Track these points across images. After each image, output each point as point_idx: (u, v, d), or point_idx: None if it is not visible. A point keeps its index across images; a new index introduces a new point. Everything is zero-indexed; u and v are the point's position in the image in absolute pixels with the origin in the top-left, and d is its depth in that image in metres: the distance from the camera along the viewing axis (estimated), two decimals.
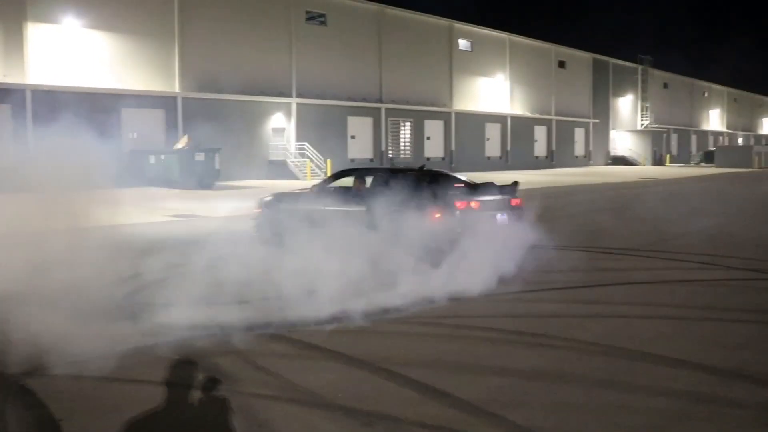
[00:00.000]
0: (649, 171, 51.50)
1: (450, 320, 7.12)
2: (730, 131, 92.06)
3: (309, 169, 35.73)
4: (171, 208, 19.61)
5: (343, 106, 40.70)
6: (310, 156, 37.06)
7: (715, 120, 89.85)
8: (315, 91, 39.12)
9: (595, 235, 13.76)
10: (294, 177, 35.30)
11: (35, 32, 29.10)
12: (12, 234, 7.72)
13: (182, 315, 6.81)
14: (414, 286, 8.00)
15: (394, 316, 7.18)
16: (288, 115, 38.36)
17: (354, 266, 7.93)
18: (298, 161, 36.69)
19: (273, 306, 7.33)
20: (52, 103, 26.56)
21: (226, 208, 17.79)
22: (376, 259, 8.35)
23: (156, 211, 18.28)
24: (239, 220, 13.61)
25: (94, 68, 30.69)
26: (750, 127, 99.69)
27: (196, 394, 4.99)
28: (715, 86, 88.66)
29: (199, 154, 28.70)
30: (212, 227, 14.66)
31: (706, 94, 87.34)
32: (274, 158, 36.78)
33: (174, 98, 33.00)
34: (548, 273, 9.51)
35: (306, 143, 37.62)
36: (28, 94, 28.17)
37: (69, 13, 29.87)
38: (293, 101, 38.34)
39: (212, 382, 5.13)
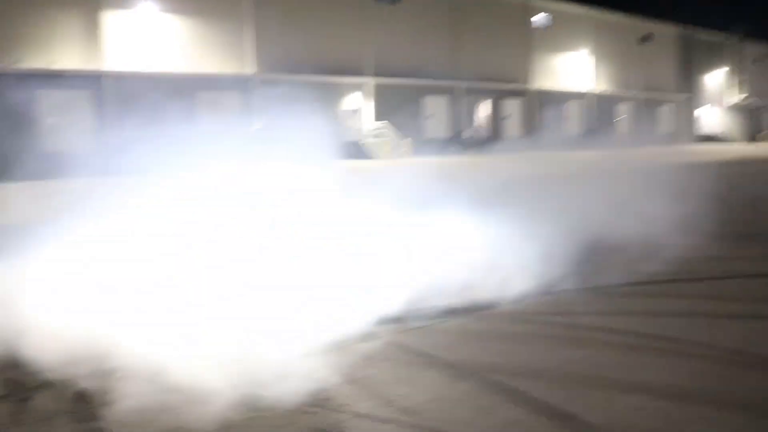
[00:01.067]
0: (728, 150, 48.44)
1: (557, 318, 6.22)
2: None
3: (387, 149, 35.04)
4: None
5: (419, 85, 39.76)
6: (388, 136, 36.34)
7: None
8: (391, 71, 38.31)
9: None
10: (371, 157, 34.70)
11: (112, 18, 29.32)
12: None
13: None
14: (500, 273, 7.18)
15: (490, 311, 6.36)
16: (365, 94, 37.74)
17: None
18: (375, 141, 36.06)
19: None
20: (128, 87, 26.82)
21: None
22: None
23: None
24: None
25: (172, 52, 30.78)
26: None
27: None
28: None
29: (274, 135, 28.36)
30: None
31: None
32: (351, 139, 36.22)
33: (249, 80, 32.83)
34: (648, 262, 8.42)
35: (384, 122, 36.94)
36: (106, 80, 28.48)
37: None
38: (371, 80, 37.69)
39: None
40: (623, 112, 55.12)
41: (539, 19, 48.12)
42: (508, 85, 45.22)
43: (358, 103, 37.72)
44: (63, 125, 27.54)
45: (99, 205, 7.41)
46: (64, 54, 28.26)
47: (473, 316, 6.19)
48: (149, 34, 30.21)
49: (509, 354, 5.26)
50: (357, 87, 37.41)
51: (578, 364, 5.05)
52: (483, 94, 43.78)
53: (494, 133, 44.25)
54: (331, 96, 36.00)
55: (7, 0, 26.91)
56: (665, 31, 59.90)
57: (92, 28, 28.91)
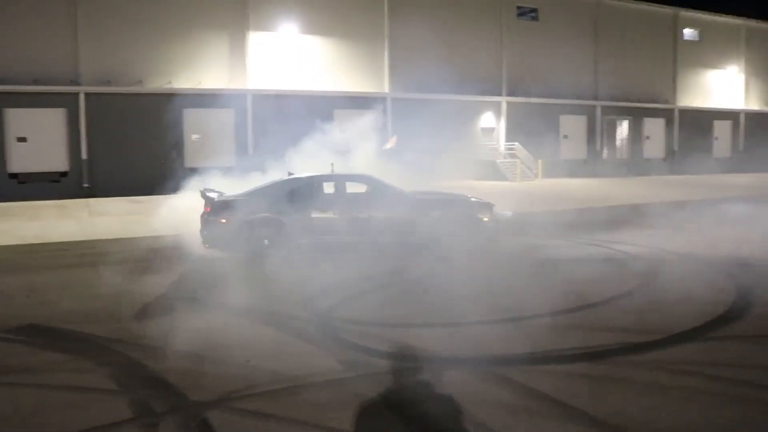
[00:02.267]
0: None
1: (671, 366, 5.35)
2: None
3: (519, 170, 34.07)
4: None
5: (555, 104, 38.52)
6: (520, 156, 35.37)
7: None
8: (526, 89, 37.39)
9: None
10: (503, 178, 33.86)
11: (256, 40, 30.44)
12: None
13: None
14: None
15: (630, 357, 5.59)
16: (498, 114, 37.04)
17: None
18: (508, 162, 35.17)
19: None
20: (271, 105, 27.68)
21: None
22: None
23: None
24: None
25: (310, 72, 31.53)
26: None
27: None
28: None
29: (407, 155, 28.20)
30: None
31: None
32: (483, 158, 35.58)
33: (383, 98, 33.03)
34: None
35: (516, 143, 36.00)
36: (249, 98, 29.52)
37: (287, 21, 30.97)
38: (503, 99, 36.95)
39: None
40: None
41: (688, 32, 45.52)
42: (650, 104, 42.93)
43: (493, 123, 37.03)
44: (207, 142, 28.80)
45: None
46: (210, 74, 29.59)
47: (614, 362, 5.46)
48: (291, 54, 31.11)
49: (638, 408, 4.51)
50: (491, 106, 36.76)
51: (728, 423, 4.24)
52: (623, 113, 41.80)
53: (633, 155, 42.11)
54: (465, 115, 35.56)
55: (161, 23, 28.55)
56: None
57: (238, 49, 30.12)
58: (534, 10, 38.61)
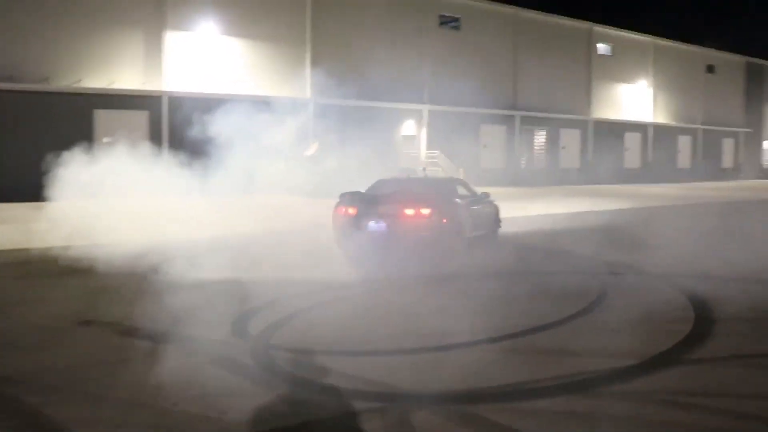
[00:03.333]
0: None
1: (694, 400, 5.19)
2: None
3: None
4: None
5: (476, 113, 38.95)
6: (442, 165, 35.49)
7: None
8: (447, 98, 37.62)
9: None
10: None
11: (174, 40, 29.35)
12: None
13: None
14: None
15: (598, 389, 5.35)
16: (419, 122, 37.09)
17: None
18: (430, 170, 35.16)
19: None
20: (188, 108, 26.65)
21: None
22: None
23: None
24: None
25: (230, 75, 30.66)
26: None
27: None
28: None
29: (328, 162, 27.81)
30: None
31: None
32: (405, 166, 35.43)
33: (305, 103, 32.46)
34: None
35: (437, 151, 36.13)
36: (165, 101, 28.39)
37: (205, 21, 30.01)
38: (425, 108, 37.04)
39: None
40: (683, 145, 53.35)
41: (602, 46, 47.01)
42: (567, 115, 44.07)
43: (414, 130, 37.04)
44: (119, 145, 27.43)
45: None
46: (124, 74, 28.30)
47: (596, 394, 5.18)
48: (209, 56, 30.14)
49: None
50: (413, 114, 36.78)
51: None
52: (541, 123, 42.72)
53: (550, 165, 43.08)
54: (387, 122, 35.42)
55: (70, 19, 27.09)
56: (731, 61, 58.13)
57: (154, 48, 28.95)
58: (456, 20, 38.96)
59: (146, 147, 27.61)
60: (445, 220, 10.73)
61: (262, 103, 30.19)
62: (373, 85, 34.10)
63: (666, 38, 51.48)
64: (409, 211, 10.53)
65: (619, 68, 48.40)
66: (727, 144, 57.72)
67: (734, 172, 57.67)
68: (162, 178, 23.68)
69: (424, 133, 37.10)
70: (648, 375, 5.45)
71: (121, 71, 28.33)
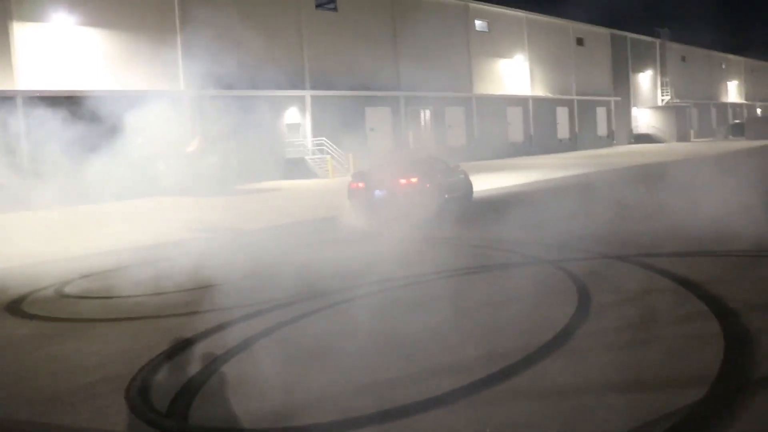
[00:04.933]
0: (680, 148, 48.53)
1: None
2: (748, 102, 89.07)
3: (330, 165, 32.97)
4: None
5: (360, 96, 37.91)
6: (330, 152, 34.30)
7: (733, 92, 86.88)
8: (330, 82, 36.36)
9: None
10: (314, 175, 32.57)
11: (24, 33, 26.40)
12: None
13: None
14: None
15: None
16: (302, 108, 35.61)
17: None
18: (318, 158, 33.93)
19: None
20: (44, 107, 23.95)
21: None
22: None
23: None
24: None
25: (90, 69, 28.00)
26: None
27: None
28: (732, 57, 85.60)
29: (212, 158, 26.02)
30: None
31: (723, 66, 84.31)
32: (292, 156, 34.04)
33: (179, 96, 30.28)
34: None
35: (324, 138, 34.86)
36: (19, 101, 25.48)
37: (59, 11, 27.18)
38: (307, 93, 35.59)
39: None
40: (561, 116, 54.78)
41: (479, 23, 47.17)
42: (450, 93, 43.89)
43: (298, 118, 35.57)
44: None
45: None
46: None
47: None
48: (64, 49, 27.34)
49: None
50: (295, 100, 35.28)
51: None
52: (425, 103, 42.30)
53: (438, 143, 42.81)
54: (269, 111, 33.73)
55: None
56: (597, 34, 60.17)
57: (1, 43, 25.89)
58: (332, 1, 37.63)
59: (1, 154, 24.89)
60: (427, 185, 14.53)
61: (132, 98, 27.92)
62: (252, 73, 32.31)
63: (537, 13, 52.44)
64: (403, 181, 14.34)
65: (497, 44, 48.79)
66: (601, 113, 59.84)
67: (608, 140, 59.94)
68: (17, 189, 21.24)
69: (308, 120, 35.70)
70: None
71: None
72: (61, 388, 4.90)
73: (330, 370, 4.95)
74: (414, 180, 14.29)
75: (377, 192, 14.40)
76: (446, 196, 15.24)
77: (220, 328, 6.18)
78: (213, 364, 5.17)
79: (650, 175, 23.80)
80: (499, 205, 16.30)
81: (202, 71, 30.53)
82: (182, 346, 5.69)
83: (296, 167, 33.01)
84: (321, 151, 34.62)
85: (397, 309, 6.73)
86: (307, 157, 33.84)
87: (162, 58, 29.85)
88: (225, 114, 29.86)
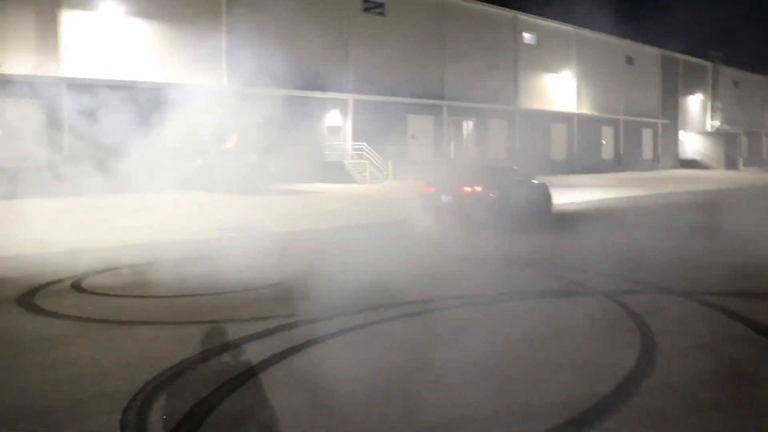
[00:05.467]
0: (731, 176, 46.95)
1: None
2: None
3: (369, 171, 32.41)
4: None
5: (403, 103, 37.33)
6: (369, 157, 33.74)
7: None
8: (373, 87, 35.82)
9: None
10: (352, 180, 32.03)
11: (71, 20, 26.38)
12: None
13: None
14: None
15: None
16: (344, 112, 35.15)
17: None
18: (356, 163, 33.38)
19: None
20: (90, 96, 23.81)
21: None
22: None
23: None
24: None
25: (137, 60, 27.90)
26: None
27: None
28: None
29: (250, 156, 25.64)
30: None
31: None
32: (330, 159, 33.54)
33: (222, 92, 30.01)
34: None
35: (364, 143, 34.32)
36: (64, 87, 25.42)
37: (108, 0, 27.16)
38: (350, 97, 35.13)
39: None
40: (606, 135, 53.52)
41: (527, 35, 46.31)
42: (494, 105, 43.06)
43: (339, 121, 35.10)
44: (11, 138, 24.42)
45: None
46: (14, 57, 25.19)
47: None
48: (111, 39, 27.27)
49: None
50: (337, 103, 34.83)
51: None
52: (468, 113, 41.54)
53: (478, 155, 42.00)
54: (311, 113, 33.35)
55: None
56: (648, 54, 58.77)
57: (49, 29, 25.89)
58: (380, 5, 37.19)
59: (44, 140, 24.83)
60: (492, 195, 14.75)
61: (174, 91, 27.70)
62: (295, 73, 31.95)
63: (587, 29, 51.35)
64: (468, 189, 14.79)
65: (544, 58, 47.85)
66: (647, 134, 58.38)
67: (653, 162, 58.40)
68: (56, 175, 21.06)
69: (349, 124, 35.22)
70: None
71: (11, 54, 25.19)
72: (53, 402, 4.32)
73: (339, 409, 4.27)
74: (478, 188, 14.73)
75: (444, 197, 15.06)
76: (520, 206, 15.34)
77: (241, 341, 5.58)
78: (228, 384, 4.56)
79: (709, 203, 22.70)
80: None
81: (245, 67, 30.26)
82: (196, 361, 5.10)
83: (334, 171, 32.50)
84: (360, 156, 34.08)
85: (432, 336, 6.03)
86: (345, 162, 33.32)
87: (206, 52, 29.66)
88: (265, 112, 29.48)
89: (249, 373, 4.77)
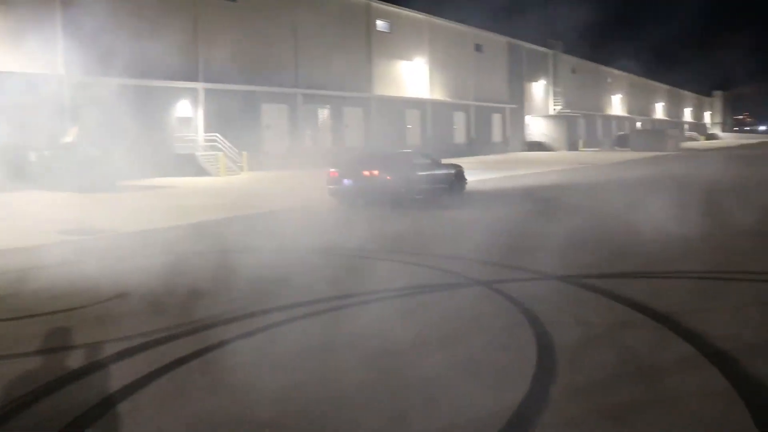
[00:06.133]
0: (572, 156, 49.88)
1: None
2: (629, 116, 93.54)
3: (223, 163, 31.29)
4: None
5: (256, 92, 36.33)
6: (223, 149, 32.58)
7: (617, 105, 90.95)
8: (225, 76, 34.55)
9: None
10: (205, 173, 30.80)
11: None
12: None
13: None
14: None
15: None
16: (195, 102, 33.68)
17: None
18: (209, 155, 32.11)
19: None
20: None
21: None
22: None
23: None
24: None
25: None
26: (645, 112, 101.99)
27: None
28: (616, 72, 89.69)
29: (92, 150, 23.90)
30: None
31: (609, 80, 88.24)
32: (182, 152, 32.07)
33: (59, 80, 27.77)
34: None
35: (217, 134, 33.09)
36: None
37: None
38: (200, 86, 33.69)
39: None
40: (458, 121, 55.11)
41: (381, 23, 46.53)
42: (349, 92, 42.99)
43: (190, 111, 33.58)
44: None
45: None
46: None
47: None
48: None
49: None
50: (187, 93, 33.30)
51: None
52: (323, 101, 41.18)
53: (336, 144, 41.83)
54: (158, 103, 31.67)
55: None
56: (495, 42, 61.02)
57: None
58: None
59: None
60: (388, 177, 16.36)
61: (1, 80, 25.29)
62: (140, 61, 30.11)
63: (439, 17, 52.48)
64: (366, 173, 16.49)
65: (398, 45, 48.37)
66: (496, 119, 60.78)
67: (503, 145, 60.94)
68: None
69: (201, 114, 33.81)
70: None
71: None
72: None
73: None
74: (375, 172, 16.41)
75: (345, 180, 16.76)
76: (424, 187, 17.42)
77: (92, 368, 4.90)
78: (84, 417, 3.96)
79: (558, 184, 23.74)
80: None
81: (84, 55, 28.04)
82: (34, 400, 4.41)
83: (186, 164, 31.12)
84: (213, 148, 32.84)
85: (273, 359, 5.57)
86: (198, 154, 31.97)
87: (39, 38, 27.19)
88: (108, 103, 27.54)
89: (104, 405, 4.17)
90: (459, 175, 19.14)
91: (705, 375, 4.76)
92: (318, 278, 8.23)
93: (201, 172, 30.83)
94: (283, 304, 6.91)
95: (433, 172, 18.03)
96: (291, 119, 38.95)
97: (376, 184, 16.26)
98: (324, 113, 41.51)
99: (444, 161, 20.06)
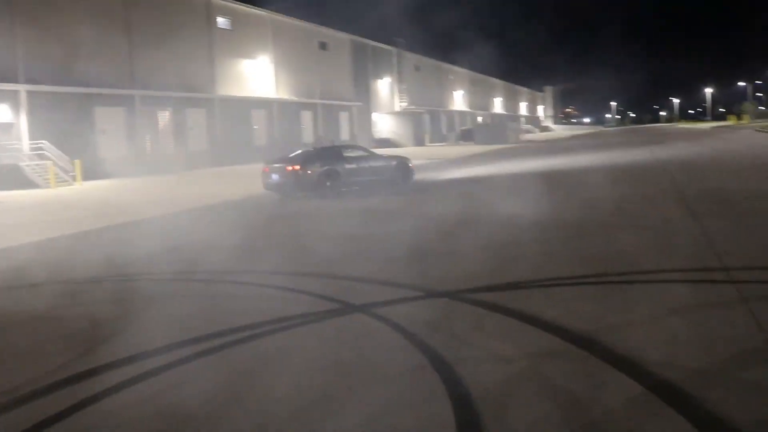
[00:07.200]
0: (420, 152, 50.59)
1: None
2: (471, 111, 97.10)
3: (53, 173, 28.61)
4: None
5: (88, 94, 33.60)
6: (52, 157, 29.81)
7: (459, 101, 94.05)
8: (51, 77, 31.63)
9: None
10: (33, 185, 28.02)
11: None
12: None
13: None
14: None
15: None
16: (15, 106, 30.55)
17: None
18: (37, 165, 29.25)
19: None
20: None
21: None
22: None
23: None
24: None
25: None
26: (485, 107, 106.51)
27: None
28: (457, 69, 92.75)
29: None
30: None
31: (450, 77, 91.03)
32: (3, 162, 29.00)
33: None
34: None
35: (45, 141, 30.22)
36: None
37: None
38: (21, 88, 30.60)
39: None
40: (306, 120, 54.36)
41: (222, 20, 44.71)
42: (191, 93, 40.97)
43: (10, 117, 30.43)
44: None
45: None
46: None
47: None
48: None
49: None
50: (6, 96, 30.13)
51: None
52: (163, 103, 38.92)
53: (178, 148, 39.74)
54: None
55: None
56: (339, 39, 60.79)
57: None
58: None
59: None
60: (309, 172, 18.13)
61: None
62: None
63: (282, 14, 51.38)
64: (289, 168, 18.26)
65: (241, 43, 46.76)
66: (343, 117, 60.61)
67: (352, 143, 60.87)
68: None
69: (24, 120, 30.73)
70: None
71: None
72: None
73: None
74: (297, 167, 18.16)
75: (273, 175, 18.63)
76: (359, 179, 19.19)
77: None
78: None
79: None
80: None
81: None
82: None
83: (9, 176, 28.16)
84: (41, 157, 29.96)
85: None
86: (22, 164, 29.02)
87: None
88: None
89: None
90: (402, 167, 20.58)
91: (668, 421, 3.87)
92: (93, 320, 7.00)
93: (28, 184, 28.02)
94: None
95: (367, 165, 19.62)
96: (128, 123, 36.43)
97: (299, 179, 18.04)
98: (165, 116, 39.25)
99: (388, 154, 22.06)
